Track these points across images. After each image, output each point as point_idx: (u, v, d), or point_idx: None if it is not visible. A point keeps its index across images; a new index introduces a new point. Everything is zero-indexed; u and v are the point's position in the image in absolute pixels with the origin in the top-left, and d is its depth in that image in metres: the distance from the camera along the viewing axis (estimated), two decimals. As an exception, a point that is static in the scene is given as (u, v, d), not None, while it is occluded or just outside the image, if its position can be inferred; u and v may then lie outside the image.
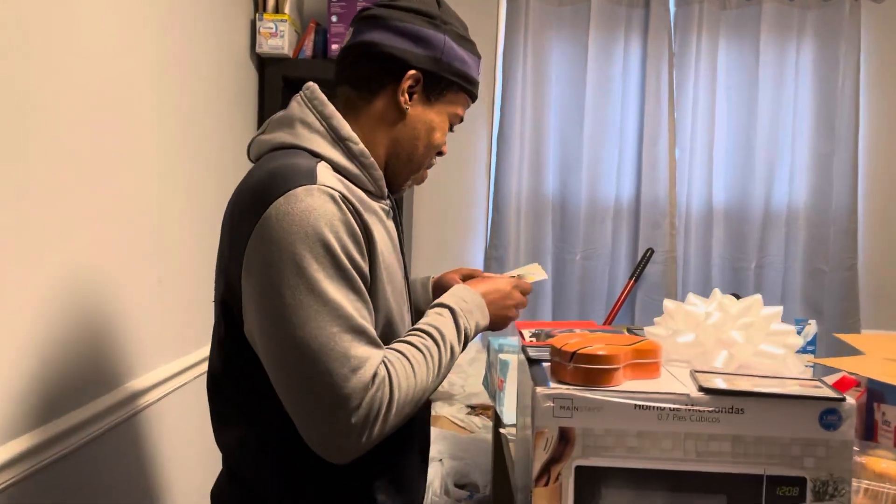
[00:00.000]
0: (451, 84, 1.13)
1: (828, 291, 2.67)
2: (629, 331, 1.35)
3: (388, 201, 1.16)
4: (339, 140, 1.06)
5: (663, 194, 2.65)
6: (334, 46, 2.29)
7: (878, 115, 2.71)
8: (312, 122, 1.06)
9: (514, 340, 1.92)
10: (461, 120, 1.20)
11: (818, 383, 0.93)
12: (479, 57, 1.18)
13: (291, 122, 1.07)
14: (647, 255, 1.53)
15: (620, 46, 2.68)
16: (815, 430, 0.88)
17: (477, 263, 2.73)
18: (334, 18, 2.28)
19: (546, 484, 0.90)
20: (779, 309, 1.04)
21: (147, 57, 1.48)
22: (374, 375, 0.94)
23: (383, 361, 0.97)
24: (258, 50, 2.26)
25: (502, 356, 1.87)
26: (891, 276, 2.75)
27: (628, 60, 2.69)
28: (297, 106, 1.09)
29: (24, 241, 1.15)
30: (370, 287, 1.02)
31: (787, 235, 2.70)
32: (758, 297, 1.06)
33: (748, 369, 1.01)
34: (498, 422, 1.89)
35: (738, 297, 2.50)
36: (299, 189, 0.95)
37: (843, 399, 0.87)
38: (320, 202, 0.95)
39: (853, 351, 1.37)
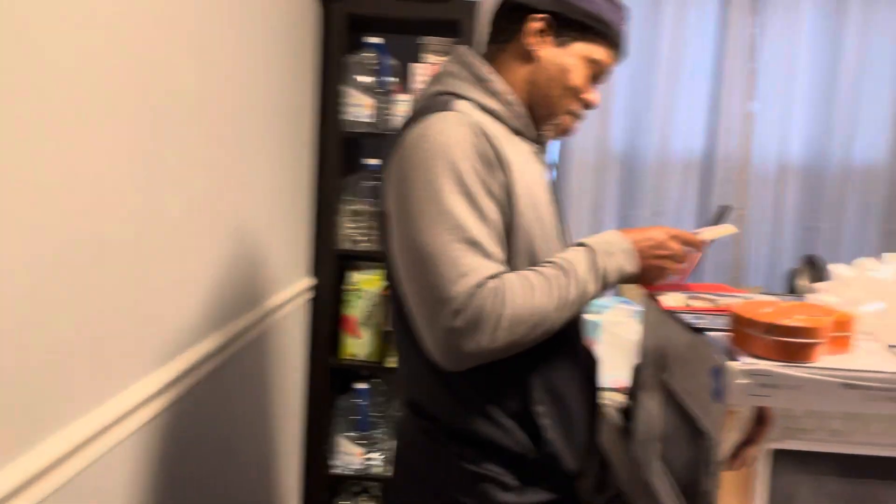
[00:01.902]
0: (582, 27, 1.14)
1: (905, 254, 2.56)
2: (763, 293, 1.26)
3: (535, 145, 1.19)
4: (480, 81, 1.13)
5: (737, 148, 2.53)
6: (405, -17, 2.13)
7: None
8: (458, 71, 1.15)
9: (600, 300, 1.83)
10: (605, 71, 1.19)
11: None
12: (617, 6, 1.17)
13: (441, 76, 1.16)
14: (725, 211, 1.41)
15: (698, -11, 2.52)
16: None
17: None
18: (405, -48, 2.12)
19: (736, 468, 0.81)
20: (974, 278, 0.94)
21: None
22: (482, 284, 0.96)
23: (498, 275, 0.99)
24: (324, -16, 2.11)
25: (588, 316, 1.78)
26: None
27: (705, 3, 2.53)
28: (446, 64, 1.18)
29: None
30: (508, 213, 1.04)
31: (864, 194, 2.58)
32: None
33: (943, 344, 0.91)
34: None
35: (815, 258, 2.39)
36: (435, 115, 1.04)
37: None
38: (452, 125, 1.02)
39: None
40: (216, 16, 1.40)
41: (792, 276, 2.47)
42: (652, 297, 1.21)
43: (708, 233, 1.22)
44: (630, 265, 1.09)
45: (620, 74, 2.53)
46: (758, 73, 2.53)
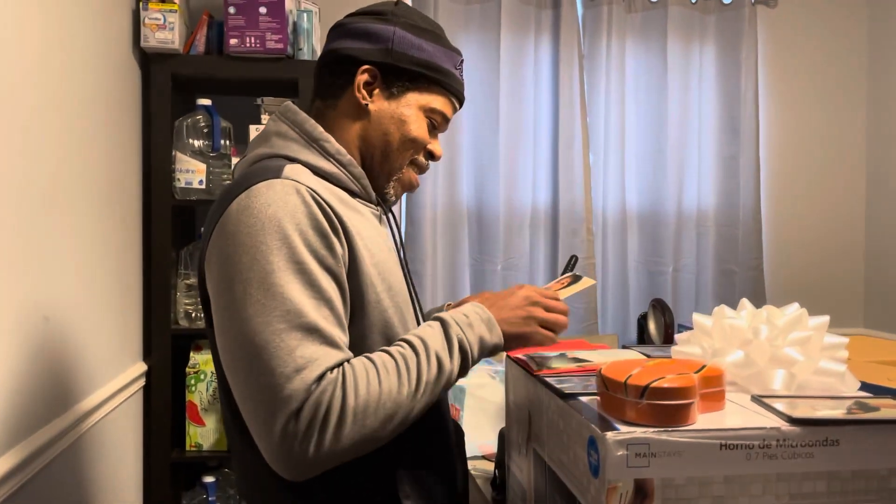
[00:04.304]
0: (413, 75, 1.08)
1: (738, 291, 2.71)
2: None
3: (377, 207, 1.11)
4: (312, 142, 1.04)
5: (579, 200, 2.58)
6: (232, 42, 2.02)
7: (775, 117, 2.78)
8: (286, 131, 1.04)
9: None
10: (445, 119, 1.12)
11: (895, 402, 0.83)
12: (451, 50, 1.11)
13: (267, 136, 1.05)
14: (572, 262, 1.40)
15: (531, 48, 2.58)
16: (916, 457, 0.78)
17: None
18: (232, 10, 2.01)
19: (621, 550, 0.74)
20: (825, 319, 0.94)
21: (9, 55, 1.19)
22: (321, 377, 0.85)
23: (340, 364, 0.88)
24: (143, 44, 1.95)
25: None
26: (789, 274, 2.83)
27: (539, 63, 2.60)
28: (271, 122, 1.07)
29: None
30: (353, 286, 0.95)
31: (698, 237, 2.71)
32: (802, 309, 0.95)
33: (805, 390, 0.89)
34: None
35: (661, 301, 2.45)
36: (262, 184, 0.92)
37: (947, 420, 0.77)
38: (281, 195, 0.91)
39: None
40: (21, 78, 1.22)
41: (643, 320, 2.53)
42: (514, 359, 1.14)
43: (565, 291, 1.17)
44: (492, 335, 1.01)
45: (464, 133, 2.53)
46: (591, 127, 2.61)
